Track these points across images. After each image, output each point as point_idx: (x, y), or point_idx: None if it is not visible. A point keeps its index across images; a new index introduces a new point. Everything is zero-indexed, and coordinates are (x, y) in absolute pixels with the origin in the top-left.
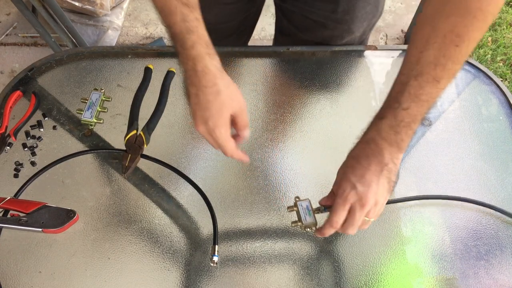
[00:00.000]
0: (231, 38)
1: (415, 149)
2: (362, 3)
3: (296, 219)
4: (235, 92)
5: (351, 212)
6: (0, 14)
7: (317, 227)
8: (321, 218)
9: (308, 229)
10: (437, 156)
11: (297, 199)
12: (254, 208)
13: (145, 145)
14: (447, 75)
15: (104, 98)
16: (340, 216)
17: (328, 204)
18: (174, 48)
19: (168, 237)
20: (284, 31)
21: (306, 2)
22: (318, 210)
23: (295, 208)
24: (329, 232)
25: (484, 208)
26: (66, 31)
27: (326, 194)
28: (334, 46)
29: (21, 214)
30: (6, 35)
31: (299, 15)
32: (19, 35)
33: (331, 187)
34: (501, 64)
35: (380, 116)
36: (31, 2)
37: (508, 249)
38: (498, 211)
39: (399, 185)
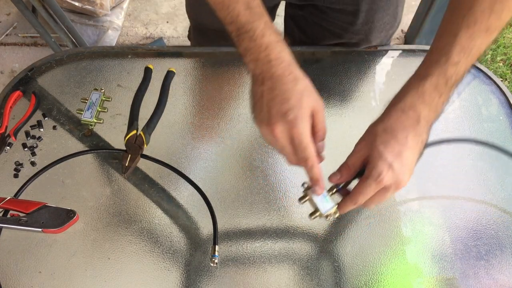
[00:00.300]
0: None
1: None
2: (381, 13)
3: (312, 209)
4: (311, 85)
5: (382, 192)
6: (0, 14)
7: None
8: (339, 199)
9: (330, 216)
10: (437, 156)
11: (306, 184)
12: (254, 208)
13: (145, 145)
14: (499, 26)
15: (104, 98)
16: (368, 196)
17: (341, 182)
18: (239, 49)
19: (168, 237)
20: (294, 43)
21: (325, 13)
22: (331, 190)
23: (307, 198)
24: (349, 209)
25: (484, 208)
26: (66, 31)
27: None
28: (334, 46)
29: (21, 214)
30: (6, 35)
31: (315, 25)
32: (19, 35)
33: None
34: (501, 64)
35: (422, 75)
36: (31, 2)
37: (508, 249)
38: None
39: None
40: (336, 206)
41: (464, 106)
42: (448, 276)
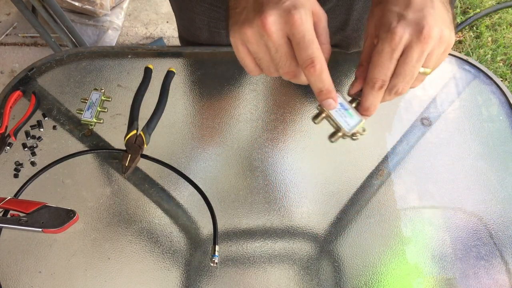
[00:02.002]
0: None
1: (415, 149)
2: None
3: (333, 129)
4: None
5: (404, 55)
6: (0, 14)
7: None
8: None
9: (357, 136)
10: (437, 156)
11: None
12: (254, 208)
13: (145, 145)
14: None
15: (104, 98)
16: (388, 67)
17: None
18: None
19: (168, 237)
20: None
21: None
22: (353, 102)
23: (324, 114)
24: (375, 102)
25: (484, 208)
26: (66, 31)
27: (327, 194)
28: (334, 46)
29: (21, 214)
30: (6, 35)
31: None
32: (19, 35)
33: (330, 189)
34: (501, 64)
35: None
36: (31, 2)
37: (508, 249)
38: None
39: (399, 185)
40: (363, 120)
41: (464, 106)
42: (448, 276)
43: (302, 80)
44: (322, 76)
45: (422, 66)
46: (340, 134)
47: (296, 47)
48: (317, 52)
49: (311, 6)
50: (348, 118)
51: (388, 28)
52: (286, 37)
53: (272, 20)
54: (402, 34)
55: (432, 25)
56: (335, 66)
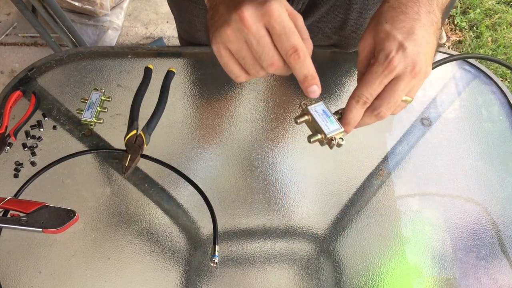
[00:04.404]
0: None
1: (415, 149)
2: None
3: (313, 131)
4: None
5: (395, 83)
6: (0, 14)
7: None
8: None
9: (335, 141)
10: (437, 156)
11: (306, 104)
12: (254, 208)
13: (145, 145)
14: None
15: (104, 98)
16: (375, 89)
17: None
18: None
19: (168, 237)
20: None
21: (310, 29)
22: (337, 114)
23: (306, 117)
24: (356, 116)
25: (484, 208)
26: (66, 31)
27: (327, 194)
28: (333, 46)
29: (21, 214)
30: (6, 35)
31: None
32: (19, 35)
33: (330, 189)
34: None
35: None
36: (31, 2)
37: (508, 249)
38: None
39: (399, 185)
40: (343, 130)
41: (464, 106)
42: (448, 276)
43: (286, 69)
44: (306, 63)
45: (406, 95)
46: (319, 136)
47: (277, 38)
48: (299, 40)
49: (284, 4)
50: (329, 124)
51: (387, 55)
52: (265, 28)
53: (249, 13)
54: (397, 64)
55: (423, 63)
56: (335, 66)
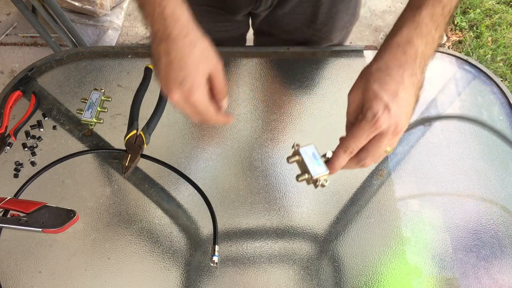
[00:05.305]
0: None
1: (415, 149)
2: (341, 14)
3: (300, 171)
4: (209, 47)
5: (378, 139)
6: (0, 14)
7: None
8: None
9: (320, 183)
10: (437, 156)
11: (298, 146)
12: (254, 208)
13: (145, 145)
14: None
15: (104, 98)
16: (361, 142)
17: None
18: (136, 3)
19: (168, 237)
20: (263, 32)
21: (282, 21)
22: (324, 157)
23: (297, 157)
24: (342, 163)
25: (484, 208)
26: (66, 31)
27: (327, 194)
28: (334, 46)
29: (21, 214)
30: (6, 35)
31: (277, 24)
32: (19, 35)
33: (330, 189)
34: (501, 64)
35: (417, 5)
36: (31, 2)
37: (508, 249)
38: None
39: (399, 185)
40: (328, 172)
41: (464, 106)
42: (448, 276)
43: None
44: (218, 122)
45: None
46: (306, 176)
47: (195, 112)
48: (210, 115)
49: (207, 71)
50: (316, 166)
51: (374, 114)
52: (188, 105)
53: (177, 98)
54: (382, 124)
55: (404, 123)
56: (322, 64)
